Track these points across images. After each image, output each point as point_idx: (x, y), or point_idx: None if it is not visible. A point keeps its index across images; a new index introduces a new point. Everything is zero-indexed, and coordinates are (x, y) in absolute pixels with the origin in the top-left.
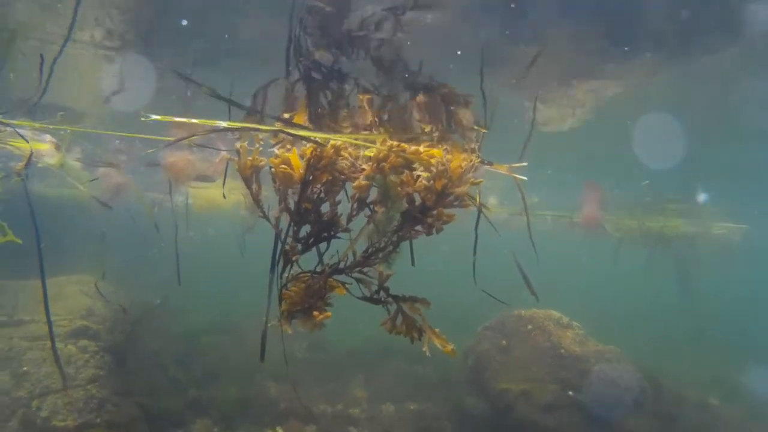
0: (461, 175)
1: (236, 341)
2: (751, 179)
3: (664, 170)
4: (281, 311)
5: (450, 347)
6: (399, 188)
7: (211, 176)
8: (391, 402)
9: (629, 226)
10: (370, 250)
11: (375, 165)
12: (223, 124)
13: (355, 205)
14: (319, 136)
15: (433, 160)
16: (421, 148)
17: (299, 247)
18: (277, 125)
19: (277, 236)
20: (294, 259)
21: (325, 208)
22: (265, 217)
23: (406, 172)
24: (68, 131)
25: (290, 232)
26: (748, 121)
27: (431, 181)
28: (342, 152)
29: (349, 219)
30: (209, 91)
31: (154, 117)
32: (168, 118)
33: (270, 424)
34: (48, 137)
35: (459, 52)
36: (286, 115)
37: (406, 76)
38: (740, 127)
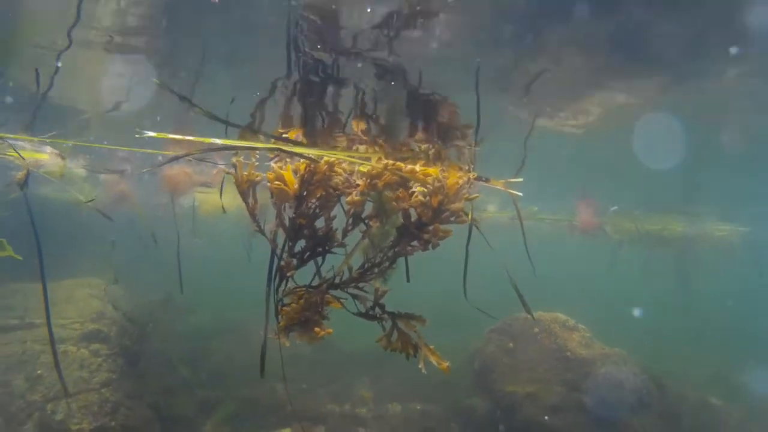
0: (457, 191)
1: (241, 340)
2: (753, 182)
3: (663, 173)
4: (279, 327)
5: (445, 364)
6: (394, 203)
7: (210, 183)
8: (397, 402)
9: (628, 229)
10: (366, 266)
11: (369, 181)
12: (219, 141)
13: (350, 220)
14: (313, 152)
15: (429, 178)
16: (417, 167)
17: (295, 262)
18: (272, 142)
19: (273, 251)
20: (289, 274)
21: (320, 223)
22: (261, 231)
23: (401, 188)
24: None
25: (286, 248)
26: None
27: (427, 197)
28: (336, 168)
29: (345, 234)
30: (205, 113)
31: (149, 134)
32: (163, 135)
33: (279, 425)
34: (49, 148)
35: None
36: (281, 130)
37: (405, 86)
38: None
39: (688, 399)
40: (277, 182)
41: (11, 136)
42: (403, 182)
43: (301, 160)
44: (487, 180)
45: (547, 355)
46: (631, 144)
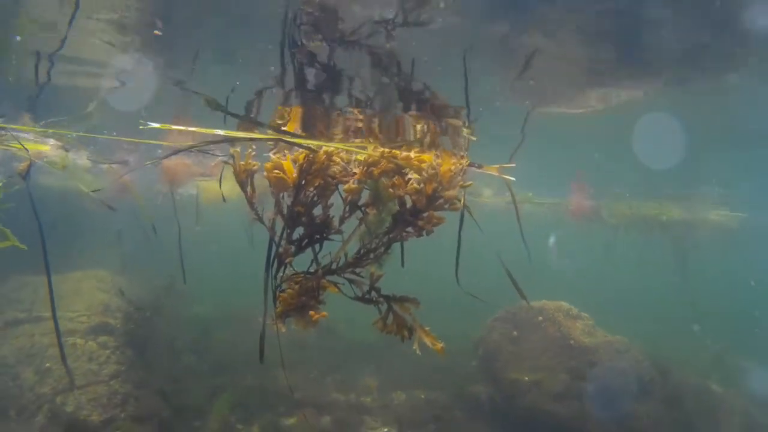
0: (451, 178)
1: (245, 329)
2: (752, 169)
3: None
4: (276, 312)
5: (439, 346)
6: (390, 191)
7: (208, 174)
8: (402, 390)
9: (625, 214)
10: (362, 252)
11: (365, 169)
12: (221, 132)
13: (347, 208)
14: (313, 143)
15: (423, 165)
16: (412, 154)
17: (293, 249)
18: (270, 133)
19: (272, 238)
20: (287, 261)
21: (317, 211)
22: (260, 219)
23: (397, 176)
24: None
25: (284, 235)
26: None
27: (422, 185)
28: (334, 157)
29: (342, 221)
30: (214, 105)
31: (153, 125)
32: (167, 126)
33: (286, 414)
34: (52, 140)
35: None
36: (279, 121)
37: (399, 80)
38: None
39: (689, 385)
40: (276, 171)
41: (14, 126)
42: (399, 170)
43: (300, 151)
44: (479, 166)
45: (551, 343)
46: (632, 130)
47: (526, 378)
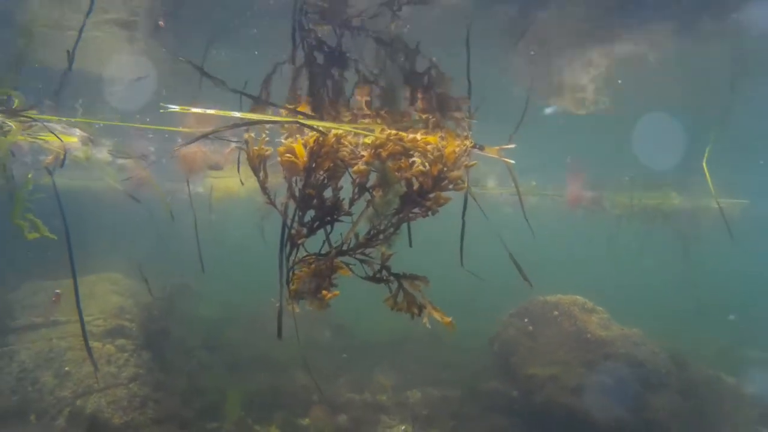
0: (456, 160)
1: (259, 328)
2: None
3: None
4: (290, 292)
5: (448, 320)
6: (397, 173)
7: (220, 165)
8: (417, 388)
9: (626, 204)
10: (372, 232)
11: (373, 151)
12: (237, 114)
13: (356, 190)
14: (324, 125)
15: (429, 147)
16: (418, 136)
17: (305, 230)
18: (284, 114)
19: (284, 221)
20: (300, 242)
21: (327, 193)
22: (272, 203)
23: (403, 158)
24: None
25: (296, 218)
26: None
27: (427, 167)
28: (342, 140)
29: (351, 203)
30: (224, 85)
31: (173, 108)
32: (186, 109)
33: (302, 414)
34: (78, 130)
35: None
36: (290, 106)
37: (405, 61)
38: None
39: (704, 376)
40: (288, 155)
41: (45, 117)
42: (405, 152)
43: (310, 134)
44: (482, 148)
45: (567, 337)
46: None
47: (543, 372)
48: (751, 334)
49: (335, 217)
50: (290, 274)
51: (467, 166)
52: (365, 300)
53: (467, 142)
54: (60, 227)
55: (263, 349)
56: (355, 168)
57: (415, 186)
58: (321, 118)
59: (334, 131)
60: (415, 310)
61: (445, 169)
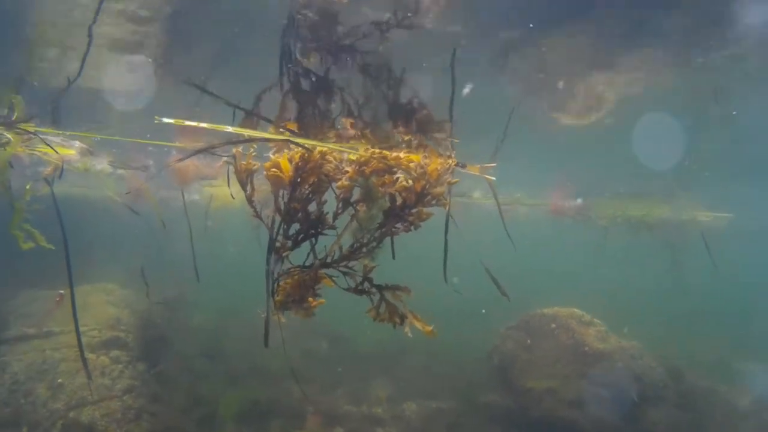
0: (439, 176)
1: (254, 338)
2: (737, 168)
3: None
4: (276, 302)
5: (429, 329)
6: (380, 189)
7: (211, 177)
8: (413, 401)
9: (612, 215)
10: (355, 246)
11: (357, 168)
12: (230, 129)
13: (340, 204)
14: (312, 143)
15: (412, 165)
16: (402, 155)
17: (289, 243)
18: (272, 130)
19: (271, 234)
20: (285, 254)
21: (312, 207)
22: (258, 216)
23: (387, 174)
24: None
25: (281, 230)
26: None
27: (411, 183)
28: (327, 156)
29: (335, 217)
30: (225, 101)
31: (167, 120)
32: (180, 122)
33: (298, 426)
34: (77, 142)
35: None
36: (279, 123)
37: (389, 91)
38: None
39: (700, 389)
40: (273, 170)
41: (44, 130)
42: (389, 169)
43: (296, 150)
44: (464, 166)
45: (565, 350)
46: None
47: (542, 385)
48: (743, 344)
49: (319, 230)
50: (276, 285)
51: (450, 183)
52: (362, 312)
53: (450, 161)
54: (55, 237)
55: (260, 359)
56: (339, 183)
57: (399, 201)
58: (307, 136)
59: (319, 148)
60: (397, 320)
61: (428, 185)
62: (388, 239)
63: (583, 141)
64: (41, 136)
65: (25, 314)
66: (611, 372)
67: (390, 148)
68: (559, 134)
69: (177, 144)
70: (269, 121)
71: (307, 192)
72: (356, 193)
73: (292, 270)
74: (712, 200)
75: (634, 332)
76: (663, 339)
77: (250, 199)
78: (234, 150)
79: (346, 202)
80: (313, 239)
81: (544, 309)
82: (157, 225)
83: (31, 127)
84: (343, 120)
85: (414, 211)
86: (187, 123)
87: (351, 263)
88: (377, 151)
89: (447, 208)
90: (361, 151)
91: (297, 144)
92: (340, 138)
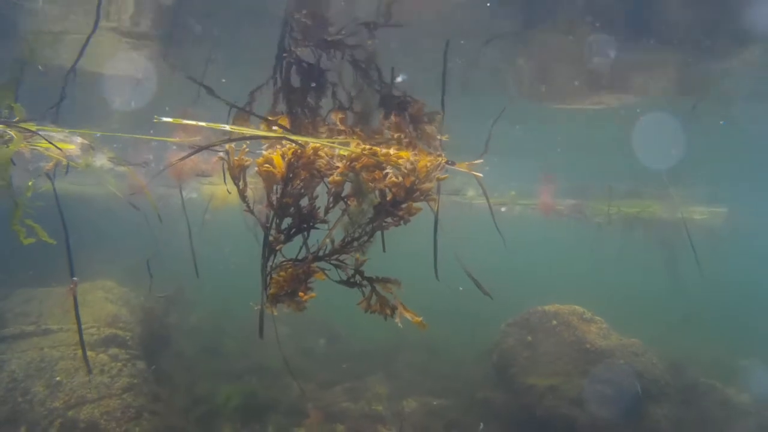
0: (428, 173)
1: (252, 336)
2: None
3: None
4: (268, 295)
5: (419, 319)
6: (370, 184)
7: (208, 172)
8: (413, 398)
9: (606, 212)
10: (346, 240)
11: (348, 163)
12: (227, 127)
13: (331, 199)
14: (305, 139)
15: (402, 161)
16: (392, 151)
17: (282, 237)
18: (263, 126)
19: (263, 228)
20: (278, 248)
21: (304, 202)
22: (251, 211)
23: (377, 170)
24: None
25: (274, 225)
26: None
27: (400, 178)
28: (319, 152)
29: (326, 211)
30: (220, 97)
31: (166, 119)
32: (178, 121)
33: (298, 423)
34: (78, 138)
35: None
36: (271, 119)
37: (379, 88)
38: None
39: (702, 386)
40: (266, 165)
41: (45, 128)
42: (379, 165)
43: (288, 146)
44: (452, 163)
45: (566, 347)
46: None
47: (543, 383)
48: (742, 342)
49: (311, 224)
50: (269, 278)
51: (439, 179)
52: (359, 309)
53: (440, 158)
54: (54, 234)
55: (259, 357)
56: (331, 179)
57: (389, 196)
58: (299, 132)
59: (312, 144)
60: (388, 311)
61: (418, 181)
62: (389, 235)
63: (579, 134)
64: (43, 135)
65: (23, 312)
66: (613, 369)
67: (380, 144)
68: (555, 127)
69: (176, 140)
70: (261, 117)
71: (299, 187)
72: (347, 188)
73: (284, 263)
74: (706, 196)
75: (633, 330)
76: (661, 337)
77: (242, 194)
78: (227, 146)
79: (337, 197)
80: (306, 233)
81: (545, 306)
82: (156, 222)
83: (32, 126)
84: (334, 116)
85: (404, 206)
86: (185, 122)
87: (342, 257)
88: (368, 147)
89: (437, 204)
90: (353, 147)
91: (291, 141)
92: (331, 133)
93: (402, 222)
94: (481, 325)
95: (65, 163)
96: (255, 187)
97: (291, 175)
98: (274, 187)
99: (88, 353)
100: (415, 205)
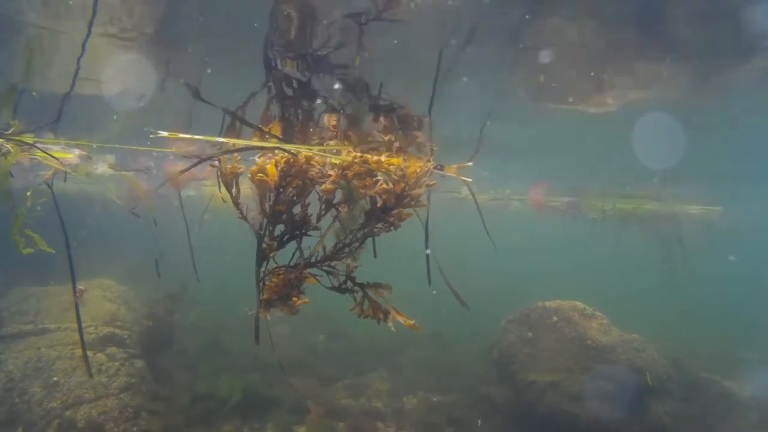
0: (417, 179)
1: (250, 333)
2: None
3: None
4: (262, 300)
5: (411, 322)
6: (361, 191)
7: (204, 178)
8: (413, 394)
9: (602, 209)
10: (338, 246)
11: (340, 172)
12: (223, 140)
13: (323, 206)
14: (299, 149)
15: (392, 168)
16: (383, 158)
17: (275, 244)
18: (255, 137)
19: (257, 236)
20: (271, 255)
21: (296, 209)
22: (244, 218)
23: (368, 177)
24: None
25: (267, 232)
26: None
27: (391, 185)
28: (311, 161)
29: (319, 218)
30: (223, 109)
31: (162, 133)
32: (174, 135)
33: (298, 421)
34: (76, 150)
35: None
36: (265, 128)
37: (368, 98)
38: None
39: (703, 381)
40: (260, 174)
41: (44, 140)
42: (370, 172)
43: (280, 154)
44: (442, 168)
45: (567, 343)
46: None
47: (544, 379)
48: (740, 335)
49: (304, 231)
50: (263, 284)
51: (428, 185)
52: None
53: (429, 164)
54: (52, 233)
55: (259, 355)
56: (323, 187)
57: (379, 203)
58: (291, 140)
59: (304, 153)
60: (381, 316)
61: (408, 187)
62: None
63: (577, 133)
64: (41, 147)
65: (19, 311)
66: (614, 365)
67: (372, 150)
68: (552, 126)
69: (172, 150)
70: (255, 127)
71: (291, 195)
72: (339, 195)
73: (277, 269)
74: (702, 196)
75: (630, 325)
76: (659, 332)
77: (236, 202)
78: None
79: (329, 204)
80: (298, 240)
81: (546, 302)
82: (155, 222)
83: (29, 139)
84: (326, 119)
85: (394, 212)
86: (181, 136)
87: (334, 263)
88: (359, 155)
89: (427, 210)
90: (344, 155)
91: (285, 150)
92: (322, 140)
93: (392, 228)
94: (483, 321)
95: (65, 171)
96: (251, 193)
97: (284, 184)
98: (267, 195)
99: (86, 352)
100: (405, 210)
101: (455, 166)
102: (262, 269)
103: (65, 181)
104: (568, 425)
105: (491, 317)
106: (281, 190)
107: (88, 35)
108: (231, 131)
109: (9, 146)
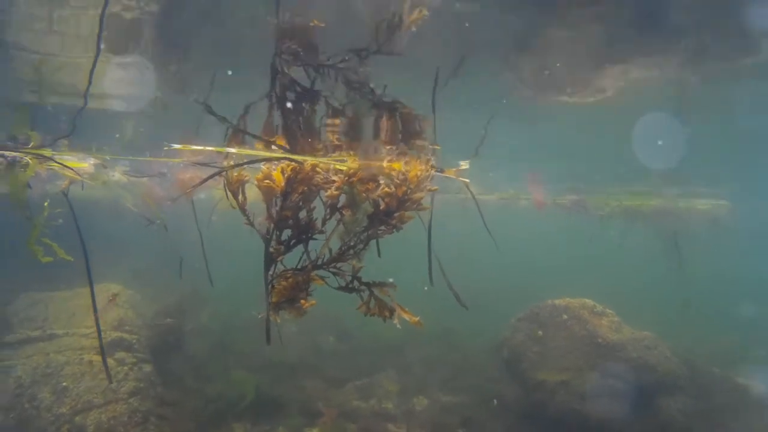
0: (419, 183)
1: (263, 337)
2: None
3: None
4: (271, 303)
5: (416, 319)
6: (364, 195)
7: (212, 185)
8: (423, 395)
9: (608, 205)
10: (343, 248)
11: (345, 178)
12: (233, 151)
13: (327, 211)
14: (305, 158)
15: (394, 172)
16: (384, 163)
17: (282, 248)
18: (258, 146)
19: (264, 240)
20: (279, 259)
21: (302, 214)
22: (251, 224)
23: (370, 182)
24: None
25: (274, 236)
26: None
27: (393, 189)
28: (317, 168)
29: (323, 222)
30: (222, 119)
31: (176, 146)
32: (187, 147)
33: (309, 424)
34: (91, 159)
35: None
36: (270, 139)
37: (371, 98)
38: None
39: (716, 378)
40: (266, 181)
41: (61, 153)
42: (372, 176)
43: (286, 162)
44: (442, 171)
45: (577, 341)
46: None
47: (554, 378)
48: (750, 331)
49: (310, 235)
50: (272, 287)
51: (430, 190)
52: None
53: (430, 168)
54: (65, 238)
55: (271, 357)
56: (329, 193)
57: (382, 206)
58: (295, 149)
59: (310, 161)
60: (387, 313)
61: (409, 191)
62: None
63: (578, 129)
64: (57, 160)
65: (28, 317)
66: (626, 363)
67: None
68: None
69: (181, 160)
70: (259, 138)
71: (297, 200)
72: (341, 200)
73: (285, 272)
74: (706, 190)
75: (638, 322)
76: (668, 328)
77: (242, 208)
78: (225, 163)
79: (333, 208)
80: (305, 243)
81: (555, 300)
82: (165, 227)
83: (48, 152)
84: (329, 121)
85: (396, 215)
86: (193, 147)
87: (340, 264)
88: (365, 162)
89: (430, 211)
90: (349, 162)
91: (292, 160)
92: (327, 150)
93: (395, 230)
94: (492, 318)
95: (82, 180)
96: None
97: (290, 190)
98: (274, 200)
99: (94, 358)
100: (407, 213)
101: (454, 169)
102: (270, 272)
103: (83, 189)
104: (579, 424)
105: (500, 315)
106: (287, 196)
107: (97, 54)
108: (235, 139)
109: (28, 158)
